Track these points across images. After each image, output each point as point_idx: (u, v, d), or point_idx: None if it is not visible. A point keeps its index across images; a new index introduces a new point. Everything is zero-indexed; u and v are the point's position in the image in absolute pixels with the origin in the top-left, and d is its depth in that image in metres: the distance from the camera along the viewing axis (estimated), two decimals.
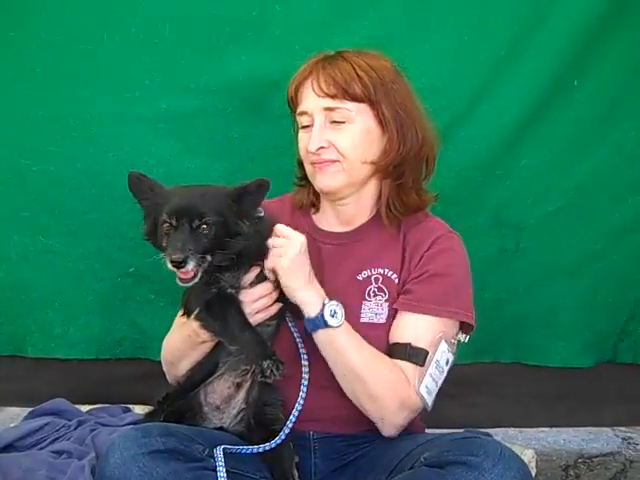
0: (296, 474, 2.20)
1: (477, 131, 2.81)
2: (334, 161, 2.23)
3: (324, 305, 2.11)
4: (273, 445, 2.12)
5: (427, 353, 2.17)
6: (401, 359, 2.18)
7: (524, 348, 3.02)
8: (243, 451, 2.10)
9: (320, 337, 2.15)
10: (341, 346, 2.14)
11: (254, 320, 2.13)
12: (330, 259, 2.31)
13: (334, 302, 2.13)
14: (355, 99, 2.22)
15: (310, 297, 2.13)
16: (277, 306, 2.17)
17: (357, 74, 2.21)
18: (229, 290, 2.12)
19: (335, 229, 2.36)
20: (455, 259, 2.30)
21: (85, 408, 2.84)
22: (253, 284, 2.15)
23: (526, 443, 2.92)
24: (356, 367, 2.14)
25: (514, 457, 1.93)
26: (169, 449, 1.93)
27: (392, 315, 2.25)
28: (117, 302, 2.88)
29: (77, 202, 2.79)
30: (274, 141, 2.76)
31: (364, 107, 2.23)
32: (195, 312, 2.15)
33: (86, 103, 2.72)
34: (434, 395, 2.21)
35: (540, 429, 3.05)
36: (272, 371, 2.01)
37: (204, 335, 2.16)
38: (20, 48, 2.70)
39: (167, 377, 2.34)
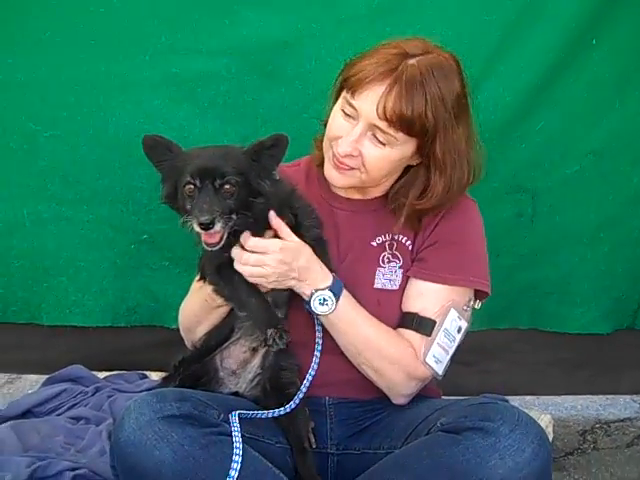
0: (312, 439, 2.21)
1: (493, 94, 2.75)
2: (354, 169, 2.17)
3: (312, 294, 2.11)
4: (288, 409, 2.12)
5: (434, 323, 2.18)
6: (409, 329, 2.19)
7: (541, 314, 3.00)
8: (258, 416, 2.11)
9: (319, 317, 2.16)
10: (338, 327, 2.16)
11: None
12: (345, 225, 2.29)
13: (324, 291, 2.11)
14: (409, 134, 2.11)
15: (301, 288, 2.12)
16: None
17: (426, 113, 2.07)
18: None
19: (351, 195, 2.32)
20: (470, 226, 2.28)
21: (102, 375, 2.87)
22: None
23: (543, 409, 2.94)
24: (358, 344, 2.17)
25: (531, 422, 1.92)
26: (184, 414, 1.92)
27: (406, 281, 2.24)
28: (131, 269, 2.87)
29: (89, 169, 2.78)
30: (287, 104, 2.73)
31: (413, 140, 2.13)
32: (209, 277, 2.14)
33: (97, 67, 2.70)
34: (446, 363, 2.21)
35: (557, 396, 3.06)
36: (275, 340, 2.01)
37: (218, 299, 2.15)
38: (28, 12, 2.67)
39: (185, 343, 2.34)
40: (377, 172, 2.17)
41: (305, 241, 2.13)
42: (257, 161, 2.04)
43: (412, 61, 2.10)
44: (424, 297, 2.20)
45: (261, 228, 2.09)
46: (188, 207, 1.99)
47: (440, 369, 2.21)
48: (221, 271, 2.10)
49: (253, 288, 2.09)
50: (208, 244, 2.00)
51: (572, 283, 2.96)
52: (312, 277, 2.12)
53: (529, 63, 2.75)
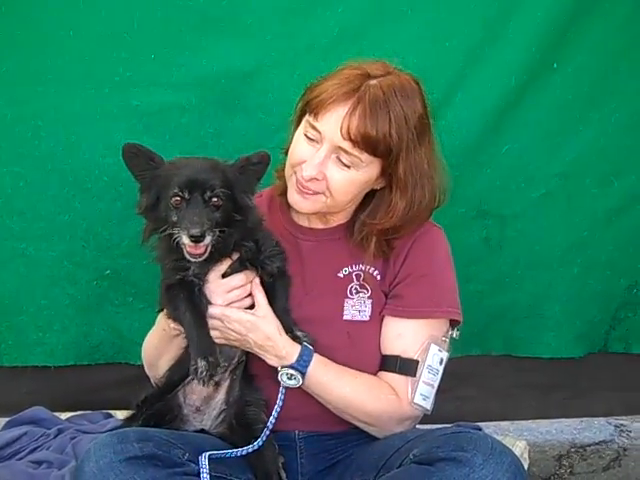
0: (284, 475, 2.18)
1: (457, 118, 2.74)
2: (318, 193, 2.16)
3: (278, 369, 2.12)
4: (256, 447, 2.09)
5: (417, 362, 2.17)
6: (392, 372, 2.18)
7: (513, 340, 2.99)
8: (227, 455, 2.07)
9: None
10: (312, 391, 2.16)
11: (224, 312, 2.10)
12: (310, 256, 2.27)
13: (289, 369, 2.11)
14: (374, 154, 2.11)
15: (266, 359, 2.13)
16: (250, 299, 2.14)
17: (390, 132, 2.08)
18: (192, 278, 2.08)
19: (315, 225, 2.31)
20: (438, 255, 2.28)
21: (65, 416, 2.78)
22: (226, 275, 2.12)
23: (518, 434, 2.94)
24: (337, 404, 2.16)
25: (506, 451, 1.90)
26: (147, 455, 1.88)
27: (377, 312, 2.23)
28: (94, 306, 2.82)
29: (48, 204, 2.73)
30: (249, 135, 2.70)
31: (378, 161, 2.13)
32: (160, 299, 2.14)
33: (54, 102, 2.65)
34: (433, 397, 2.21)
35: (532, 420, 3.05)
36: (204, 373, 1.98)
37: (172, 325, 2.12)
38: None
39: (150, 380, 2.31)
40: (343, 196, 2.16)
41: (262, 276, 2.12)
42: (242, 175, 2.06)
43: (374, 82, 2.11)
44: (403, 337, 2.19)
45: (227, 252, 2.07)
46: (174, 219, 1.98)
47: (428, 405, 2.21)
48: (170, 292, 2.08)
49: (196, 311, 2.06)
50: (193, 255, 1.99)
51: (543, 307, 2.94)
52: (274, 352, 2.12)
53: (492, 87, 2.76)
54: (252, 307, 2.15)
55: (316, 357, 2.14)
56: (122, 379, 2.84)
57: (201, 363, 1.99)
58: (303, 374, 2.12)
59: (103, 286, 2.80)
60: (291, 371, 2.12)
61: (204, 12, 2.64)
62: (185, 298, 2.06)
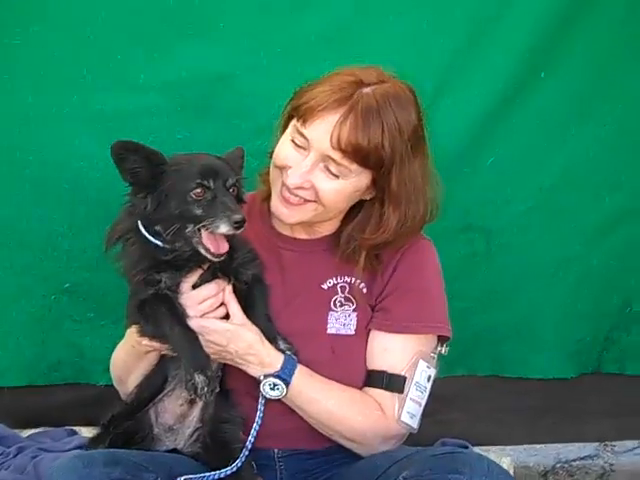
0: None
1: (440, 128, 2.58)
2: (309, 201, 2.10)
3: (260, 379, 2.08)
4: (234, 469, 2.04)
5: (405, 379, 2.14)
6: (378, 388, 2.15)
7: (500, 360, 2.92)
8: (204, 479, 2.02)
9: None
10: (295, 404, 2.12)
11: (201, 323, 2.04)
12: (291, 267, 2.22)
13: (272, 378, 2.07)
14: (365, 165, 2.06)
15: (248, 370, 2.09)
16: (224, 308, 2.08)
17: (382, 144, 2.02)
18: (165, 291, 2.01)
19: (298, 235, 2.24)
20: (428, 268, 2.25)
21: (25, 433, 2.71)
22: (196, 286, 2.06)
23: (501, 450, 2.86)
24: (320, 418, 2.12)
25: (502, 472, 1.86)
26: None
27: (363, 325, 2.19)
28: (51, 322, 2.71)
29: (3, 211, 2.62)
30: (222, 142, 2.55)
31: (368, 172, 2.08)
32: (131, 316, 2.07)
33: (11, 104, 2.56)
34: (420, 416, 2.19)
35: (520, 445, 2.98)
36: (205, 389, 1.91)
37: (144, 342, 2.06)
38: None
39: (121, 396, 2.25)
40: (333, 205, 2.11)
41: (236, 285, 2.07)
42: (240, 169, 2.09)
43: (367, 90, 2.06)
44: (390, 352, 2.16)
45: (185, 266, 2.01)
46: (197, 212, 1.92)
47: (415, 423, 2.18)
48: (144, 308, 2.01)
49: (178, 320, 1.99)
50: (218, 254, 1.94)
51: (532, 326, 2.88)
52: (257, 361, 2.07)
53: (477, 95, 2.69)
54: (227, 317, 2.09)
55: (300, 367, 2.10)
56: (82, 401, 2.73)
57: (199, 378, 1.91)
58: (287, 383, 2.07)
59: (62, 301, 2.70)
60: (275, 380, 2.07)
61: (174, 12, 2.56)
62: (168, 312, 1.99)
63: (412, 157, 2.08)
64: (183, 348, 1.96)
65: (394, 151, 2.04)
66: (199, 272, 2.03)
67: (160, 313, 1.98)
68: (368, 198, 2.14)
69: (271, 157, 2.17)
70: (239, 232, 1.92)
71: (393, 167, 2.06)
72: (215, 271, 2.05)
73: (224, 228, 1.89)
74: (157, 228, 1.97)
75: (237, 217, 1.88)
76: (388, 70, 2.14)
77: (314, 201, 2.08)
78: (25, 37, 2.52)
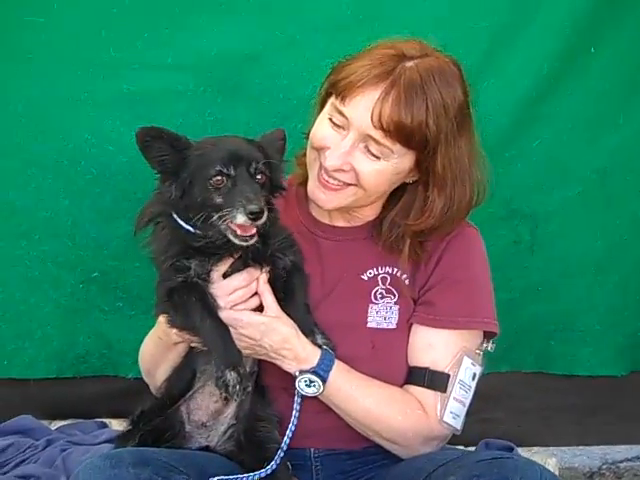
0: None
1: (484, 109, 2.48)
2: (349, 185, 2.02)
3: (296, 375, 2.01)
4: (269, 471, 1.97)
5: (448, 376, 2.07)
6: (420, 386, 2.08)
7: (546, 356, 2.85)
8: None
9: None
10: (332, 402, 2.05)
11: (233, 316, 1.97)
12: (330, 255, 2.15)
13: (309, 374, 1.99)
14: (408, 146, 1.96)
15: (283, 365, 2.02)
16: (257, 299, 2.00)
17: (427, 122, 1.93)
18: (195, 279, 1.94)
19: (336, 222, 2.17)
20: (475, 258, 2.16)
21: (54, 425, 2.69)
22: (227, 276, 1.98)
23: (546, 450, 2.79)
24: (358, 417, 2.05)
25: (554, 479, 1.78)
26: None
27: (404, 319, 2.12)
28: (79, 312, 2.69)
29: (29, 198, 2.59)
30: (253, 124, 2.56)
31: (412, 153, 1.99)
32: (160, 304, 1.99)
33: (35, 85, 2.53)
34: (463, 416, 2.11)
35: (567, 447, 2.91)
36: (237, 387, 1.83)
37: (173, 333, 1.99)
38: None
39: (150, 389, 2.20)
40: (374, 188, 2.02)
41: (275, 272, 1.99)
42: (277, 154, 1.99)
43: (410, 64, 1.97)
44: (433, 348, 2.09)
45: (216, 253, 1.93)
46: (217, 201, 1.85)
47: (458, 424, 2.10)
48: (173, 296, 1.94)
49: (209, 311, 1.91)
50: (245, 237, 1.86)
51: (579, 319, 2.82)
52: (292, 356, 2.00)
53: (522, 74, 2.63)
54: (259, 309, 2.02)
55: (338, 363, 2.03)
56: (111, 393, 2.71)
57: (231, 375, 1.84)
58: (324, 380, 2.00)
59: (90, 290, 2.68)
60: (311, 376, 1.99)
61: None
62: (198, 302, 1.92)
63: (458, 136, 1.99)
64: (214, 342, 1.89)
65: (439, 130, 1.94)
66: (229, 261, 1.96)
67: (190, 303, 1.91)
68: (411, 181, 2.05)
69: (307, 138, 2.08)
70: (258, 223, 1.83)
71: (438, 147, 1.96)
72: (247, 260, 1.98)
73: (240, 219, 1.82)
74: (189, 214, 1.90)
75: (253, 207, 1.80)
76: (431, 43, 2.04)
77: (354, 184, 2.00)
78: (49, 15, 2.48)
